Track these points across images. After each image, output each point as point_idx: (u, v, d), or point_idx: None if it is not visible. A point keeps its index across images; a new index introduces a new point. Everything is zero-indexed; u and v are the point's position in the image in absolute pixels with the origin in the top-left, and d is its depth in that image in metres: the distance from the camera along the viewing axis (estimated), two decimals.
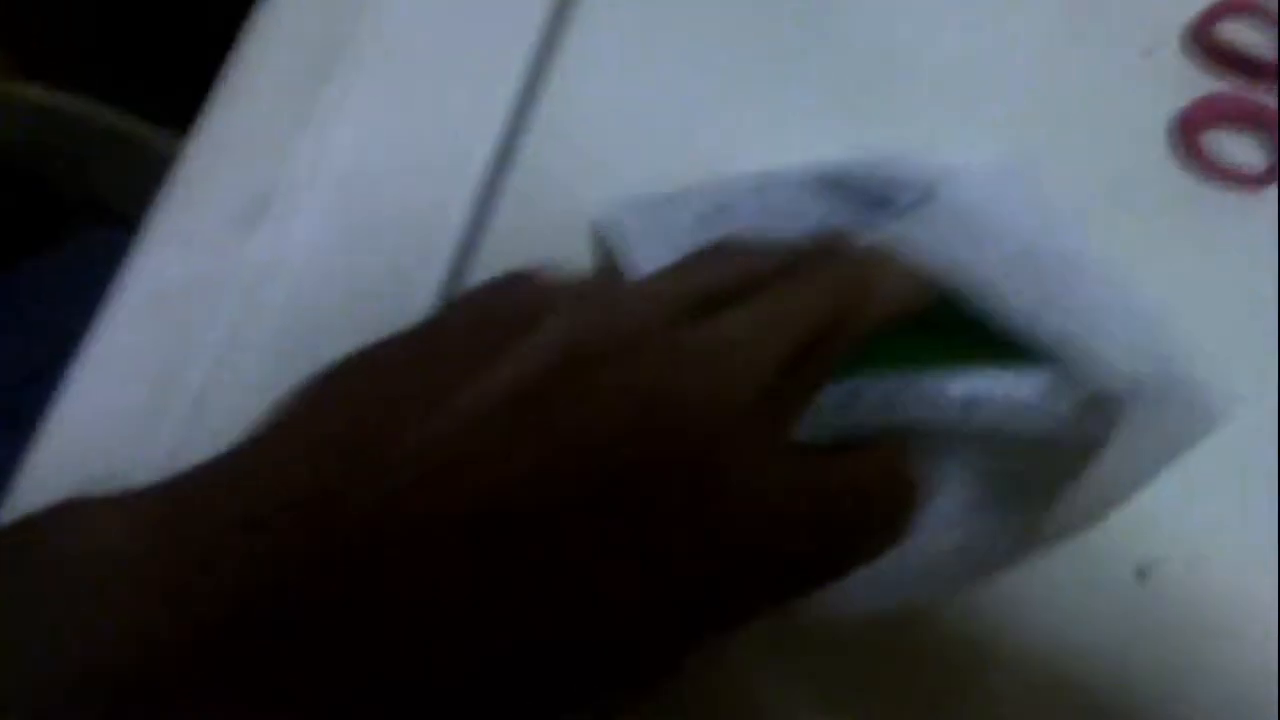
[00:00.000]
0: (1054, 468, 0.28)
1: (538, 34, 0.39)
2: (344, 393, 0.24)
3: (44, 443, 0.33)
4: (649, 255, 0.30)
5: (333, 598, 0.20)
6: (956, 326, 0.27)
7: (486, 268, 0.24)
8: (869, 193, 0.31)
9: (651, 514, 0.22)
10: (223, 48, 0.38)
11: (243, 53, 0.38)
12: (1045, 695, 0.33)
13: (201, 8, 0.57)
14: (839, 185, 0.32)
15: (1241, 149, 0.40)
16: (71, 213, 0.76)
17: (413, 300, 0.35)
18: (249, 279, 0.34)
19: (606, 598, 0.22)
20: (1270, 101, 0.40)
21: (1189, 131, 0.39)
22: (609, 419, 0.22)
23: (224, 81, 0.37)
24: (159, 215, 0.35)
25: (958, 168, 0.30)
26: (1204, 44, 0.41)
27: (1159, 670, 0.33)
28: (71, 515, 0.22)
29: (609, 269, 0.32)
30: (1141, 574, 0.34)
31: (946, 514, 0.28)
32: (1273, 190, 0.39)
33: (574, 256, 0.33)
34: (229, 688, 0.20)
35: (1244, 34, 0.41)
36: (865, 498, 0.25)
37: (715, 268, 0.26)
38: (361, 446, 0.22)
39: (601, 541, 0.22)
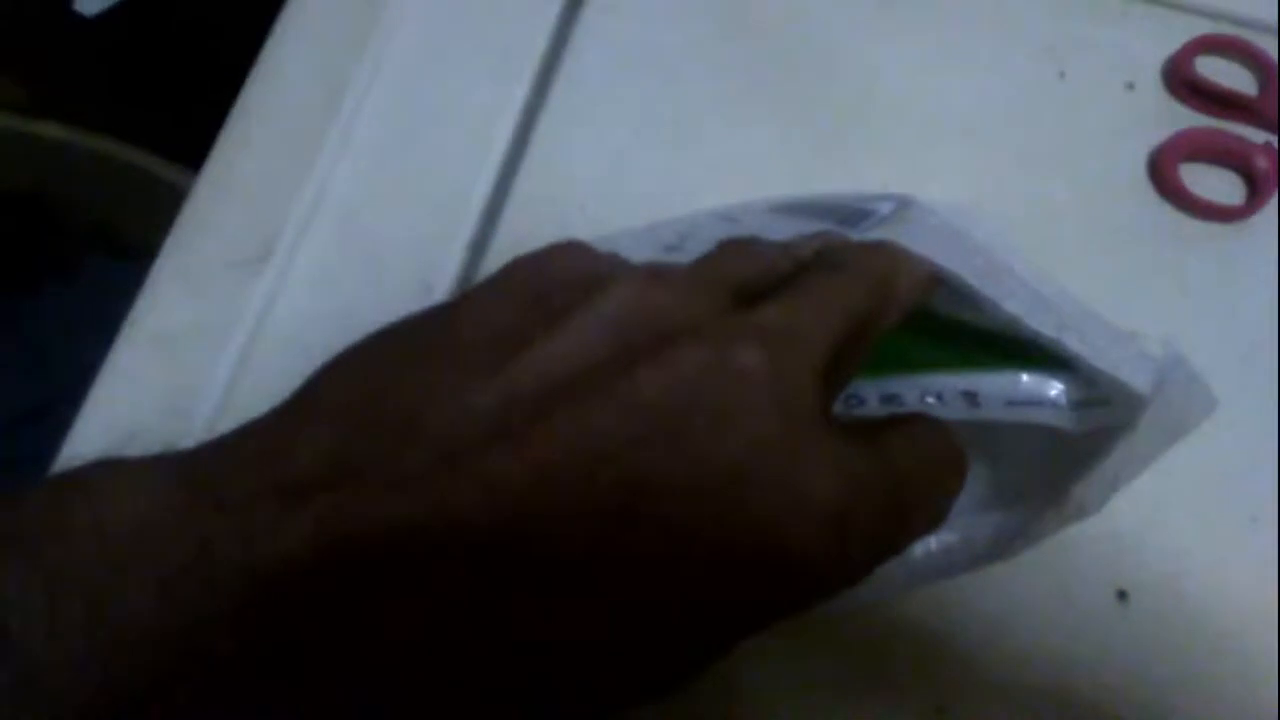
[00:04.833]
0: (1055, 463, 0.28)
1: (533, 73, 0.41)
2: (381, 362, 0.23)
3: None
4: None
5: (342, 598, 0.20)
6: (942, 329, 0.27)
7: None
8: (840, 211, 0.31)
9: (709, 497, 0.21)
10: (235, 84, 0.39)
11: (248, 97, 0.39)
12: (1027, 714, 0.34)
13: (213, 44, 0.58)
14: (809, 209, 0.32)
15: (1218, 182, 0.41)
16: (84, 246, 0.77)
17: None
18: (253, 321, 0.35)
19: (664, 583, 0.21)
20: (1246, 136, 0.41)
21: (1166, 165, 0.40)
22: (670, 401, 0.21)
23: (229, 125, 0.38)
24: (165, 257, 0.36)
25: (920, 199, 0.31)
26: (1182, 80, 0.42)
27: (1139, 691, 0.34)
28: (103, 476, 0.21)
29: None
30: (1122, 595, 0.35)
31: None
32: (1247, 223, 0.40)
33: None
34: (253, 667, 0.19)
35: (1221, 70, 0.42)
36: (927, 473, 0.24)
37: (735, 263, 0.26)
38: (389, 422, 0.21)
39: (655, 531, 0.20)
